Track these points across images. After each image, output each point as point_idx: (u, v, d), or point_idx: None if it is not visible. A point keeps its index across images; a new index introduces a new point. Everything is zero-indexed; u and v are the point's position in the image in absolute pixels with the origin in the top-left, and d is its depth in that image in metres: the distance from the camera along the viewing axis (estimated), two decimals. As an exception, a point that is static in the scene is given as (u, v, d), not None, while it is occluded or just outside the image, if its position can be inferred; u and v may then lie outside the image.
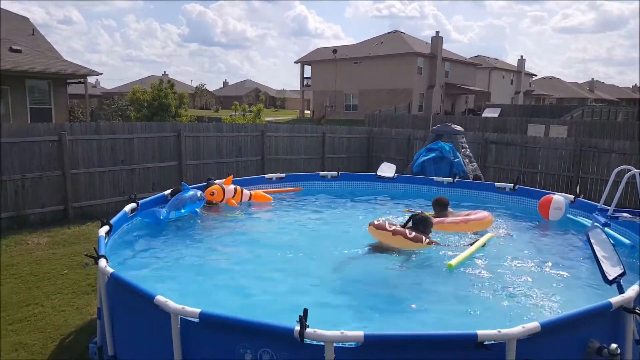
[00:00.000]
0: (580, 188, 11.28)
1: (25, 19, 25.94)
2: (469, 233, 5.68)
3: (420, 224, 5.31)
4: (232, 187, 6.96)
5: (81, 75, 21.78)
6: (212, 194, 6.73)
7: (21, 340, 4.70)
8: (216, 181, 7.24)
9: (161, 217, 5.85)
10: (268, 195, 7.49)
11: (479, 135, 13.94)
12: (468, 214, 6.04)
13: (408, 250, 5.09)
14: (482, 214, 6.04)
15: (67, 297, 5.71)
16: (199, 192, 6.42)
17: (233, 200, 6.90)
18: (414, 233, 5.10)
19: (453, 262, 4.64)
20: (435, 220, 5.74)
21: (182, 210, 6.10)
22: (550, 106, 47.43)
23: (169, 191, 6.57)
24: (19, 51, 20.48)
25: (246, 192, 7.19)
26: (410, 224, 5.30)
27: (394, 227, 5.13)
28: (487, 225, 5.93)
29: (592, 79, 79.08)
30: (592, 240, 3.74)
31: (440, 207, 6.18)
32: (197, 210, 6.37)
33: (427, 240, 5.14)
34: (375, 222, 5.29)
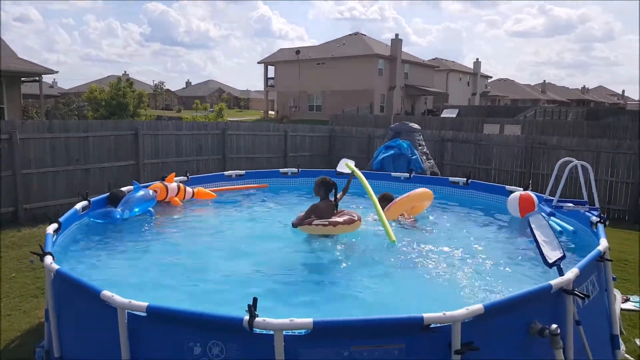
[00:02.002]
0: (532, 183, 11.78)
1: (-25, 15, 24.83)
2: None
3: (320, 187, 5.57)
4: (174, 185, 6.86)
5: (36, 73, 20.99)
6: (155, 192, 6.57)
7: (-37, 345, 4.51)
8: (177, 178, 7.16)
9: (117, 217, 5.71)
10: (211, 193, 7.45)
11: (435, 133, 14.29)
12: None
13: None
14: (420, 189, 6.45)
15: (14, 301, 5.50)
16: (150, 191, 6.29)
17: (176, 198, 6.80)
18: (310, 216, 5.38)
19: (392, 236, 5.06)
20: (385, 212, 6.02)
21: (136, 210, 5.98)
22: (505, 107, 49.15)
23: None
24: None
25: (189, 189, 7.11)
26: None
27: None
28: (427, 197, 6.38)
29: (544, 80, 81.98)
30: (533, 226, 3.90)
31: (384, 200, 6.44)
32: (150, 209, 6.25)
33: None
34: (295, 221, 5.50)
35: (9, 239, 7.85)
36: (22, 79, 21.27)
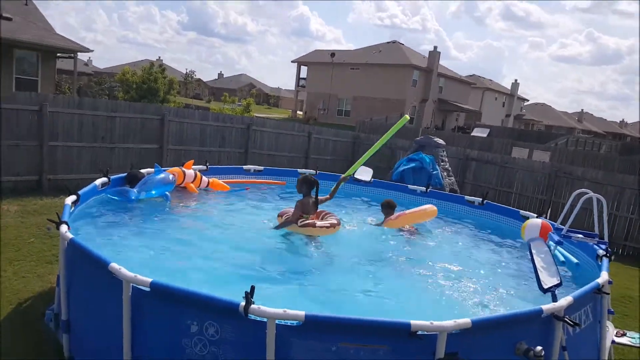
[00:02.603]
0: (550, 211, 11.63)
1: (21, -13, 25.60)
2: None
3: (303, 185, 5.71)
4: (192, 171, 7.00)
5: (72, 50, 21.50)
6: (174, 177, 6.72)
7: (-23, 301, 4.71)
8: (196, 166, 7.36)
9: (132, 197, 5.88)
10: (225, 185, 7.58)
11: (460, 151, 14.19)
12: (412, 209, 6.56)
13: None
14: (424, 206, 6.58)
15: (30, 265, 5.71)
16: (170, 175, 6.44)
17: (192, 185, 6.93)
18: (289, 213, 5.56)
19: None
20: (386, 220, 6.38)
21: (153, 192, 6.13)
22: (537, 132, 48.20)
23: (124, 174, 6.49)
24: (9, 19, 20.13)
25: (205, 178, 7.25)
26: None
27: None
28: (429, 215, 6.48)
29: (582, 110, 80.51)
30: (533, 250, 3.93)
31: (388, 208, 6.62)
32: (167, 193, 6.39)
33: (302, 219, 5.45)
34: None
35: (31, 206, 8.13)
36: (58, 54, 21.74)
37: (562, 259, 5.51)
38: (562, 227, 5.49)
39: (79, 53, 21.94)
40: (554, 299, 3.58)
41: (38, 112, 9.02)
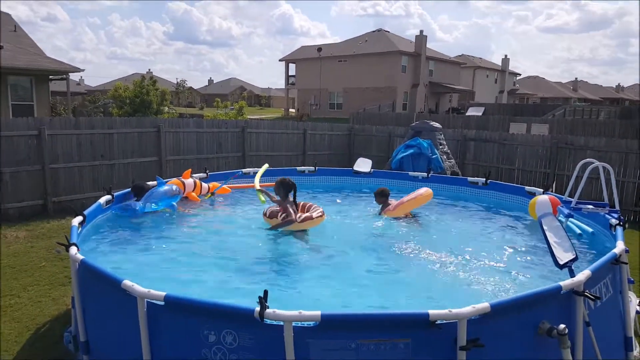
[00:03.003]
0: (555, 184, 11.60)
1: (7, 15, 25.57)
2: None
3: (280, 187, 5.78)
4: (191, 180, 7.03)
5: (63, 71, 21.54)
6: (179, 188, 6.75)
7: (-4, 330, 4.75)
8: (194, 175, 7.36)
9: (137, 209, 5.91)
10: (226, 188, 7.64)
11: (458, 132, 14.15)
12: (408, 196, 6.57)
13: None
14: (419, 190, 6.63)
15: (43, 289, 5.76)
16: (174, 187, 6.46)
17: (193, 194, 6.97)
18: (272, 210, 5.69)
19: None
20: (384, 209, 6.47)
21: (157, 205, 6.15)
22: (533, 105, 48.01)
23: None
24: (0, 47, 20.19)
25: (205, 185, 7.29)
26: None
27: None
28: (426, 198, 6.54)
29: (576, 78, 79.82)
30: (545, 227, 3.88)
31: (382, 197, 6.70)
32: (174, 204, 6.42)
33: (282, 215, 5.54)
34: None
35: (39, 230, 8.17)
36: (50, 77, 21.80)
37: (578, 231, 5.43)
38: (571, 199, 5.45)
39: (70, 74, 21.98)
40: (572, 274, 3.53)
41: (37, 136, 9.06)
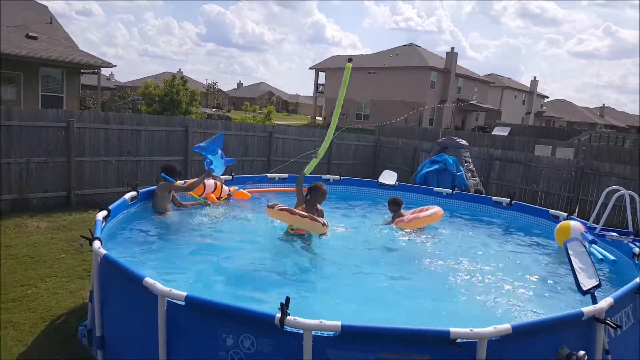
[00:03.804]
0: (579, 209, 11.35)
1: (44, 7, 26.30)
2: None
3: (311, 191, 5.86)
4: (212, 182, 7.06)
5: (95, 65, 21.99)
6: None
7: (11, 318, 4.76)
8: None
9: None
10: (246, 193, 7.65)
11: (484, 151, 13.99)
12: (420, 210, 6.67)
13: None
14: (434, 209, 6.70)
15: (61, 281, 5.78)
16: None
17: (213, 195, 6.97)
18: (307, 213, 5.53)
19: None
20: (397, 220, 6.54)
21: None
22: (559, 129, 47.32)
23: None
24: (34, 38, 20.73)
25: (225, 188, 7.30)
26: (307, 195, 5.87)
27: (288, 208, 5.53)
28: (438, 218, 6.61)
29: (603, 104, 78.78)
30: (570, 252, 3.82)
31: (395, 205, 6.82)
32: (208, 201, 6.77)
33: (322, 222, 5.40)
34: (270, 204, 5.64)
35: (60, 222, 8.26)
36: (82, 70, 22.28)
37: (599, 256, 5.39)
38: (595, 225, 5.36)
39: (101, 68, 22.38)
40: (594, 301, 3.49)
41: (65, 128, 9.18)
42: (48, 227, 7.92)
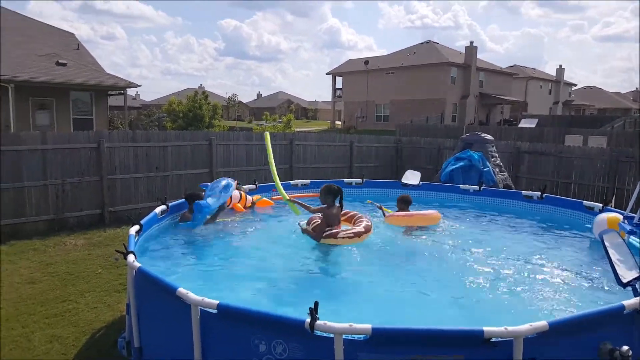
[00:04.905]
0: (615, 199, 10.99)
1: (72, 34, 27.16)
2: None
3: (327, 195, 5.65)
4: (237, 192, 7.16)
5: (121, 87, 22.73)
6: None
7: (56, 333, 4.97)
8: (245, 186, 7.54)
9: (210, 207, 6.05)
10: (270, 201, 7.72)
11: (511, 144, 13.74)
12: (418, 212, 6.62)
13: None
14: (429, 211, 6.58)
15: (99, 295, 5.98)
16: (225, 179, 6.59)
17: (239, 205, 7.08)
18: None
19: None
20: (388, 214, 6.49)
21: (221, 195, 6.30)
22: (590, 117, 45.93)
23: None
24: (64, 65, 21.53)
25: (249, 197, 7.40)
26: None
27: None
28: (433, 220, 6.45)
29: (637, 88, 76.14)
30: (607, 244, 3.70)
31: (403, 203, 6.74)
32: (227, 204, 6.59)
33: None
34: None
35: (96, 238, 8.53)
36: (109, 92, 23.08)
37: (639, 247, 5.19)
38: (634, 215, 5.19)
39: (127, 89, 23.10)
40: (636, 293, 3.36)
41: (96, 148, 9.51)
42: (85, 244, 8.19)
